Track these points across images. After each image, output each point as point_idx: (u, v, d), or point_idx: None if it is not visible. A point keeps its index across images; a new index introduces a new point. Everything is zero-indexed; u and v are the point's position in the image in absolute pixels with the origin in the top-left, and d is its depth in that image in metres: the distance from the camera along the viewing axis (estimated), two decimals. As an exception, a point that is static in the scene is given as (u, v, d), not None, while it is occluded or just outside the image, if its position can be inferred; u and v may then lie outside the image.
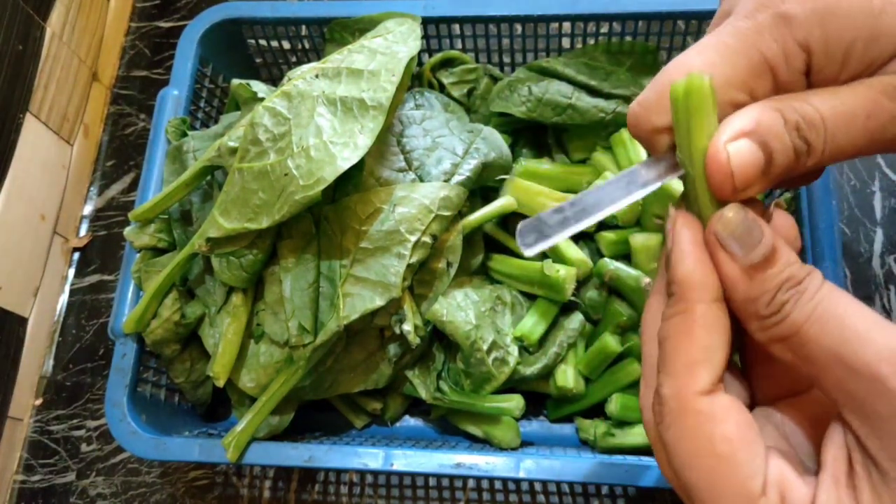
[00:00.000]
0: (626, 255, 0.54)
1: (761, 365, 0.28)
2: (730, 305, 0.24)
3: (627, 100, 0.55)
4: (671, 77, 0.25)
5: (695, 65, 0.25)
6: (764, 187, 0.24)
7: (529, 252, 0.29)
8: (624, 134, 0.55)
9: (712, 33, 0.26)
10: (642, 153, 0.54)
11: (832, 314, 0.22)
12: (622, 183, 0.27)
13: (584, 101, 0.55)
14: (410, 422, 0.59)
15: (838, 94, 0.25)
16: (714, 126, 0.24)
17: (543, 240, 0.29)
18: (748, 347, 0.28)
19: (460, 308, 0.51)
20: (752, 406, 0.29)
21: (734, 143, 0.24)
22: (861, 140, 0.25)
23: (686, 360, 0.24)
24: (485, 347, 0.51)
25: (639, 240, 0.52)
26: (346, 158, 0.44)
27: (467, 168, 0.51)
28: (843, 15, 0.24)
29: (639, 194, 0.27)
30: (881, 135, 0.25)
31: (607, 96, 0.56)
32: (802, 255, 0.50)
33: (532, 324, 0.53)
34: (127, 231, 0.55)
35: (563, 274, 0.51)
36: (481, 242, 0.56)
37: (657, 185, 0.27)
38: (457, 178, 0.51)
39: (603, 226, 0.55)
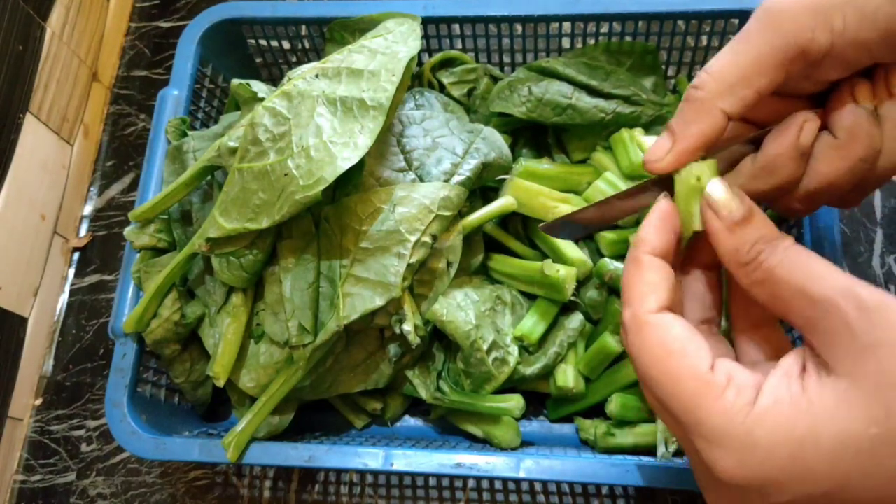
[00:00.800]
0: (621, 256, 0.54)
1: (742, 319, 0.34)
2: (722, 261, 0.31)
3: (627, 100, 0.55)
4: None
5: (712, 67, 0.32)
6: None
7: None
8: (624, 134, 0.55)
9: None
10: (640, 154, 0.54)
11: (797, 260, 0.28)
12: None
13: (584, 101, 0.55)
14: (410, 422, 0.59)
15: None
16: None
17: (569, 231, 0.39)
18: (732, 303, 0.35)
19: (460, 308, 0.51)
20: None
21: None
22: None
23: (637, 292, 0.31)
24: (485, 347, 0.51)
25: None
26: (347, 158, 0.44)
27: (467, 168, 0.51)
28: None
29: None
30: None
31: (607, 96, 0.56)
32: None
33: (532, 324, 0.53)
34: (127, 231, 0.55)
35: (563, 274, 0.51)
36: (481, 242, 0.56)
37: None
38: (457, 178, 0.51)
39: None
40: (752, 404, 0.27)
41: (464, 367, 0.52)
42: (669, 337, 0.29)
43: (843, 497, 0.26)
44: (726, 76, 0.32)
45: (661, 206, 0.33)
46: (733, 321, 0.35)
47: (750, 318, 0.34)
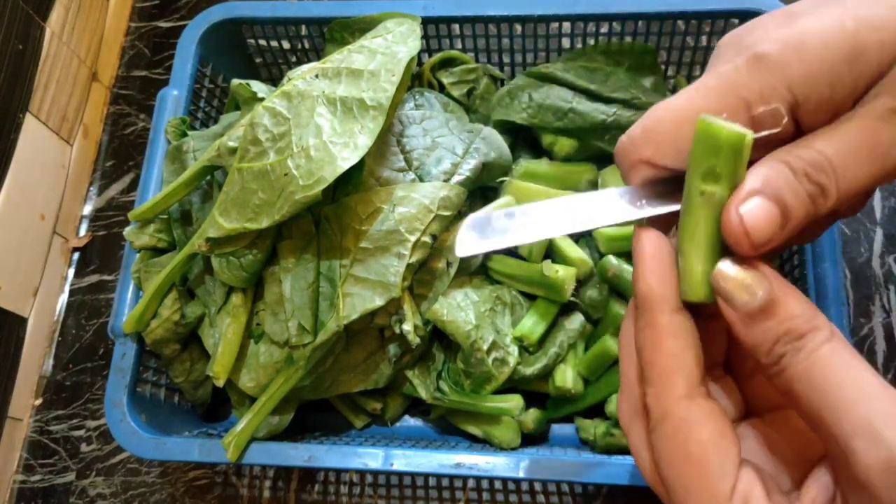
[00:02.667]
0: (623, 253, 0.54)
1: (747, 379, 0.30)
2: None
3: (626, 103, 0.55)
4: (657, 116, 0.27)
5: (678, 105, 0.26)
6: (785, 237, 0.25)
7: (461, 252, 0.29)
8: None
9: (697, 80, 0.27)
10: None
11: (821, 378, 0.23)
12: (585, 207, 0.28)
13: (585, 105, 0.56)
14: (410, 422, 0.59)
15: (837, 131, 0.25)
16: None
17: (481, 243, 0.29)
18: (736, 360, 0.30)
19: (460, 308, 0.51)
20: (744, 414, 0.30)
21: (745, 204, 0.24)
22: (870, 171, 0.25)
23: (660, 370, 0.25)
24: (485, 347, 0.51)
25: None
26: (346, 158, 0.44)
27: (467, 168, 0.51)
28: (818, 42, 0.25)
29: (599, 225, 0.28)
30: (888, 162, 0.25)
31: (607, 100, 0.56)
32: (802, 256, 0.49)
33: (532, 324, 0.53)
34: (127, 231, 0.55)
35: (563, 274, 0.51)
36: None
37: (620, 220, 0.27)
38: (457, 178, 0.51)
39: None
40: None
41: (464, 367, 0.52)
42: (694, 438, 0.24)
43: None
44: None
45: (650, 241, 0.26)
46: (746, 396, 0.30)
47: (771, 399, 0.29)
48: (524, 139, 0.60)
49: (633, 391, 0.28)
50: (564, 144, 0.56)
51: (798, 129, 0.26)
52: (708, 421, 0.25)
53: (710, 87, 0.26)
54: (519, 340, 0.53)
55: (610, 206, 0.28)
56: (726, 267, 0.24)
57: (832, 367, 0.23)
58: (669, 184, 0.27)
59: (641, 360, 0.26)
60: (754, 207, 0.24)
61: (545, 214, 0.28)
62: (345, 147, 0.44)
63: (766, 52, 0.25)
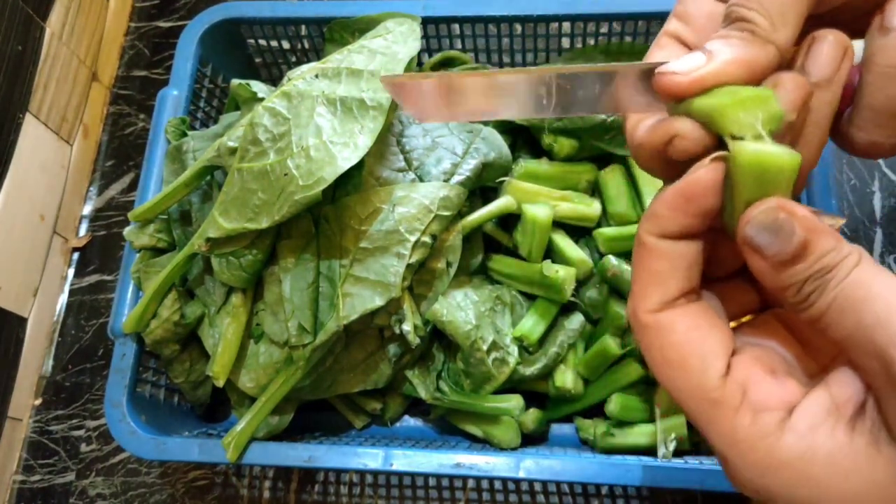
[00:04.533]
0: (622, 253, 0.54)
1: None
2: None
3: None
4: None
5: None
6: (714, 82, 0.24)
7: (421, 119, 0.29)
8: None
9: None
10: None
11: (852, 300, 0.22)
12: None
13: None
14: (410, 422, 0.59)
15: None
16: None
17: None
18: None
19: (460, 308, 0.51)
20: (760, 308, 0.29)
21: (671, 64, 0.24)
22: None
23: (640, 284, 0.25)
24: (485, 347, 0.51)
25: None
26: (346, 158, 0.44)
27: (467, 168, 0.51)
28: None
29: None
30: None
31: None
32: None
33: (532, 324, 0.53)
34: (126, 231, 0.55)
35: (563, 274, 0.51)
36: (481, 242, 0.56)
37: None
38: (456, 178, 0.51)
39: (600, 223, 0.56)
40: (776, 435, 0.22)
41: (464, 367, 0.52)
42: (667, 344, 0.24)
43: None
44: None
45: (699, 180, 0.24)
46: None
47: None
48: (524, 139, 0.60)
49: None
50: (564, 144, 0.56)
51: None
52: (681, 321, 0.25)
53: None
54: (519, 340, 0.53)
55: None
56: (760, 214, 0.23)
57: (862, 288, 0.22)
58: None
59: (632, 279, 0.26)
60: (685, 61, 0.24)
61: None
62: (345, 147, 0.44)
63: None
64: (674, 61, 0.24)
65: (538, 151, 0.60)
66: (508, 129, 0.59)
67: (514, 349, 0.52)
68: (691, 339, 0.24)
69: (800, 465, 0.22)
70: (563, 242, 0.54)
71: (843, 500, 0.22)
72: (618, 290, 0.53)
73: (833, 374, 0.24)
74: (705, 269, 0.26)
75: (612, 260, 0.52)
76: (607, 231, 0.54)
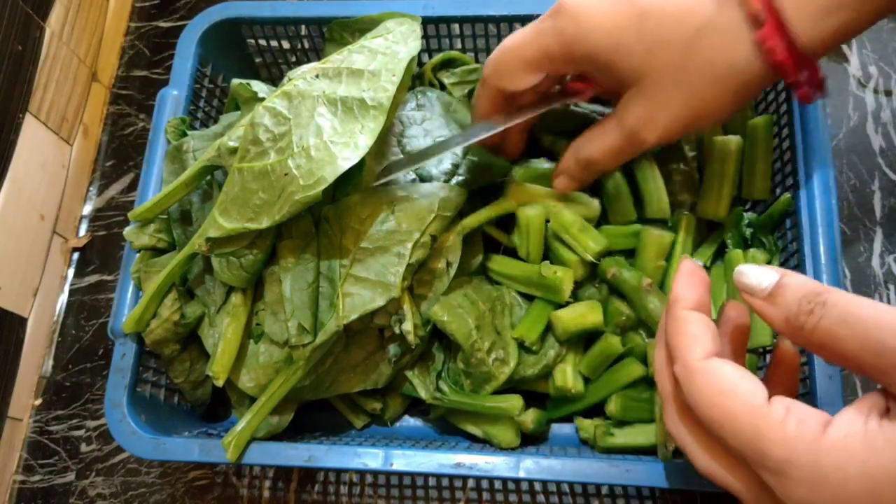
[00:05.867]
0: (621, 251, 0.54)
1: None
2: (784, 336, 0.32)
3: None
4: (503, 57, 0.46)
5: (507, 45, 0.45)
6: (584, 185, 0.52)
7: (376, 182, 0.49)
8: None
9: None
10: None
11: (854, 312, 0.28)
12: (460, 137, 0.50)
13: (583, 105, 0.56)
14: (410, 422, 0.59)
15: (601, 139, 0.47)
16: None
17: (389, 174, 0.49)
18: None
19: (461, 308, 0.51)
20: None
21: (558, 179, 0.52)
22: (619, 161, 0.48)
23: (683, 344, 0.32)
24: (485, 347, 0.51)
25: (654, 235, 0.52)
26: (347, 158, 0.44)
27: (467, 168, 0.51)
28: (590, 44, 0.41)
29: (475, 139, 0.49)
30: (627, 157, 0.47)
31: (604, 101, 0.56)
32: (802, 254, 0.49)
33: (532, 324, 0.53)
34: (126, 231, 0.55)
35: (561, 276, 0.51)
36: (481, 243, 0.56)
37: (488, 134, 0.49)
38: (457, 179, 0.51)
39: (599, 222, 0.55)
40: (819, 435, 0.27)
41: (464, 367, 0.52)
42: (719, 377, 0.30)
43: None
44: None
45: (685, 265, 0.35)
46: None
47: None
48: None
49: (667, 388, 0.34)
50: (564, 145, 0.56)
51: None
52: (726, 364, 0.31)
53: (524, 35, 0.44)
54: (519, 340, 0.53)
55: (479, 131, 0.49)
56: (740, 269, 0.32)
57: (853, 300, 0.28)
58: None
59: (669, 347, 0.33)
60: (560, 182, 0.51)
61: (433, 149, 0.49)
62: (345, 147, 0.44)
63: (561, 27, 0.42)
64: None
65: (538, 151, 0.60)
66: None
67: (515, 349, 0.52)
68: (740, 374, 0.30)
69: (842, 449, 0.26)
70: (563, 246, 0.54)
71: (886, 470, 0.26)
72: (618, 291, 0.53)
73: (858, 399, 0.29)
74: None
75: (612, 262, 0.52)
76: (607, 229, 0.54)
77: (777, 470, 0.27)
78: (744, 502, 0.31)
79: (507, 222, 0.57)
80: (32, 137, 0.66)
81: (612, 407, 0.52)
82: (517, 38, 0.44)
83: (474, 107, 0.52)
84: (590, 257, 0.52)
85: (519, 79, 0.45)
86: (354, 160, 0.44)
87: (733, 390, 0.30)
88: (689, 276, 0.34)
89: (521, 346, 0.53)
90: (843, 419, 0.27)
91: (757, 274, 0.31)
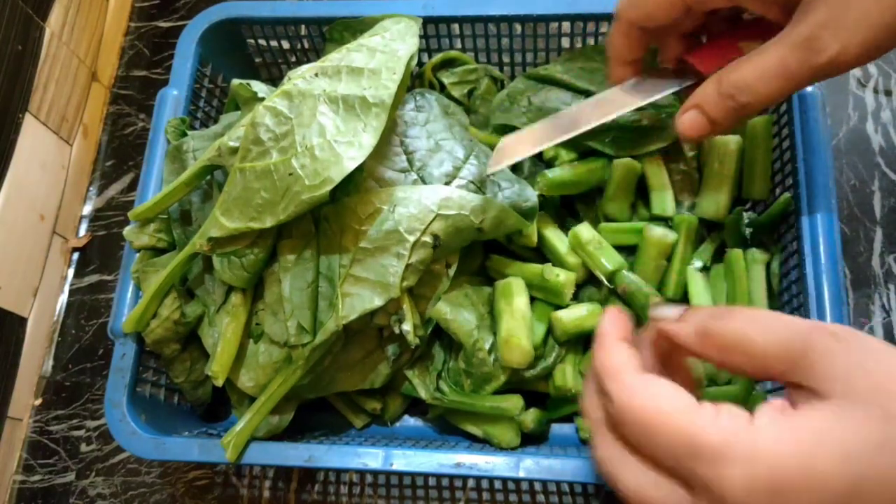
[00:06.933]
0: (624, 247, 0.54)
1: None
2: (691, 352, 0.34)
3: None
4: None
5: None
6: (717, 131, 0.41)
7: (496, 166, 0.49)
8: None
9: None
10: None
11: (761, 315, 0.31)
12: (600, 103, 0.47)
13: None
14: (410, 421, 0.59)
15: (761, 57, 0.37)
16: None
17: (517, 149, 0.48)
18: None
19: (462, 308, 0.51)
20: None
21: (686, 114, 0.42)
22: (780, 90, 0.38)
23: (615, 365, 0.33)
24: (486, 347, 0.51)
25: (656, 234, 0.52)
26: (352, 158, 0.44)
27: (468, 173, 0.51)
28: None
29: (616, 114, 0.47)
30: (793, 83, 0.37)
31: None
32: (802, 254, 0.49)
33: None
34: (126, 231, 0.55)
35: (563, 279, 0.51)
36: (481, 244, 0.56)
37: (633, 107, 0.47)
38: (458, 182, 0.51)
39: (600, 219, 0.56)
40: (749, 422, 0.28)
41: (465, 367, 0.52)
42: (652, 386, 0.31)
43: (857, 501, 0.26)
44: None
45: (610, 313, 0.36)
46: None
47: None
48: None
49: (597, 414, 0.34)
50: (564, 154, 0.56)
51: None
52: (658, 377, 0.31)
53: None
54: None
55: (620, 98, 0.46)
56: (657, 309, 0.35)
57: (756, 310, 0.32)
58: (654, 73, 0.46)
59: (598, 373, 0.33)
60: (687, 117, 0.42)
61: (569, 116, 0.46)
62: (349, 146, 0.44)
63: None
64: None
65: (539, 154, 0.60)
66: (508, 131, 0.59)
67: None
68: (667, 384, 0.31)
69: (773, 431, 0.27)
70: (563, 248, 0.54)
71: (814, 442, 0.27)
72: (626, 300, 0.53)
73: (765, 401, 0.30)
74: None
75: (626, 277, 0.52)
76: (608, 226, 0.54)
77: (713, 458, 0.27)
78: None
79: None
80: (32, 137, 0.66)
81: (613, 407, 0.52)
82: None
83: (607, 50, 0.46)
84: (603, 278, 0.52)
85: (656, 6, 0.40)
86: (360, 160, 0.44)
87: (665, 394, 0.30)
88: (614, 315, 0.36)
89: (522, 346, 0.53)
90: (763, 411, 0.28)
91: (670, 308, 0.34)
